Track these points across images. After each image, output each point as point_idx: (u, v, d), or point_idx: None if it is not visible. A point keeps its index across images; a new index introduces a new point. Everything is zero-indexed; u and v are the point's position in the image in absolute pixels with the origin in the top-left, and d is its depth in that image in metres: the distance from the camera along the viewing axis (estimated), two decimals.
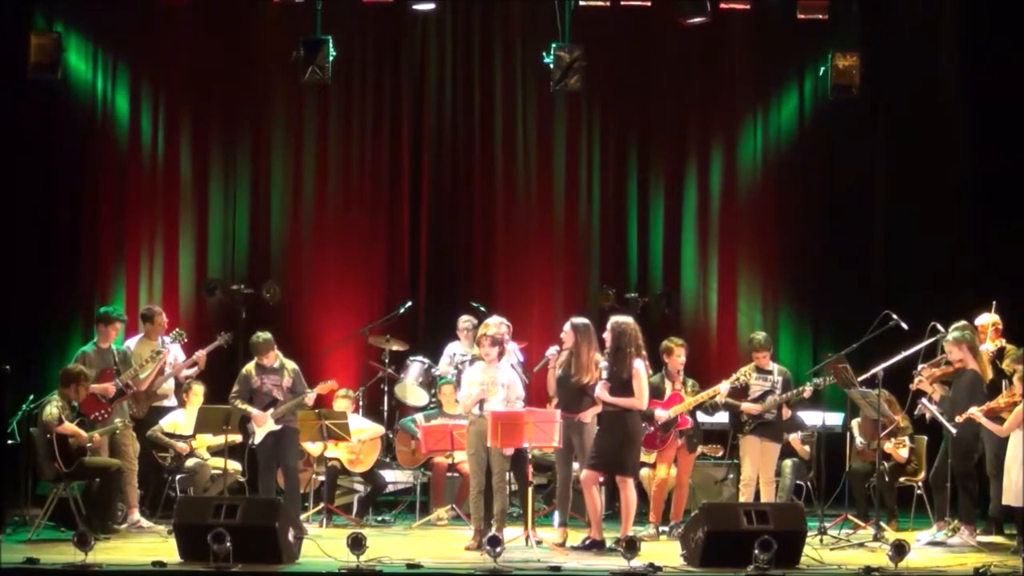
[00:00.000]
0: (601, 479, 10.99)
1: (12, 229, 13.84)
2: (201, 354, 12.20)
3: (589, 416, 10.84)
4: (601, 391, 10.65)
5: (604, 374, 10.67)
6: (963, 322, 11.44)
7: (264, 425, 11.73)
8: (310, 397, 11.88)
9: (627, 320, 10.82)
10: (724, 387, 11.61)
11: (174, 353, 12.36)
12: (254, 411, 11.70)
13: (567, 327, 10.97)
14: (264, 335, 11.87)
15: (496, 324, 11.28)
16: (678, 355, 11.69)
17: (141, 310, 12.74)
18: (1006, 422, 11.02)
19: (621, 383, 10.61)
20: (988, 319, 11.81)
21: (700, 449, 12.57)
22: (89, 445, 11.17)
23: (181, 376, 12.44)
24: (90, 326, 13.99)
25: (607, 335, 10.73)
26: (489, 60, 14.63)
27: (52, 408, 11.08)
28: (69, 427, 11.07)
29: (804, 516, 10.18)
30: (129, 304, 13.76)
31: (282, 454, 11.80)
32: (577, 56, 13.30)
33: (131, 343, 12.23)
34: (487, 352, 10.94)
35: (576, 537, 10.94)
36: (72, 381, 11.22)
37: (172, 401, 12.52)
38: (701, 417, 12.04)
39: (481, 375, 10.95)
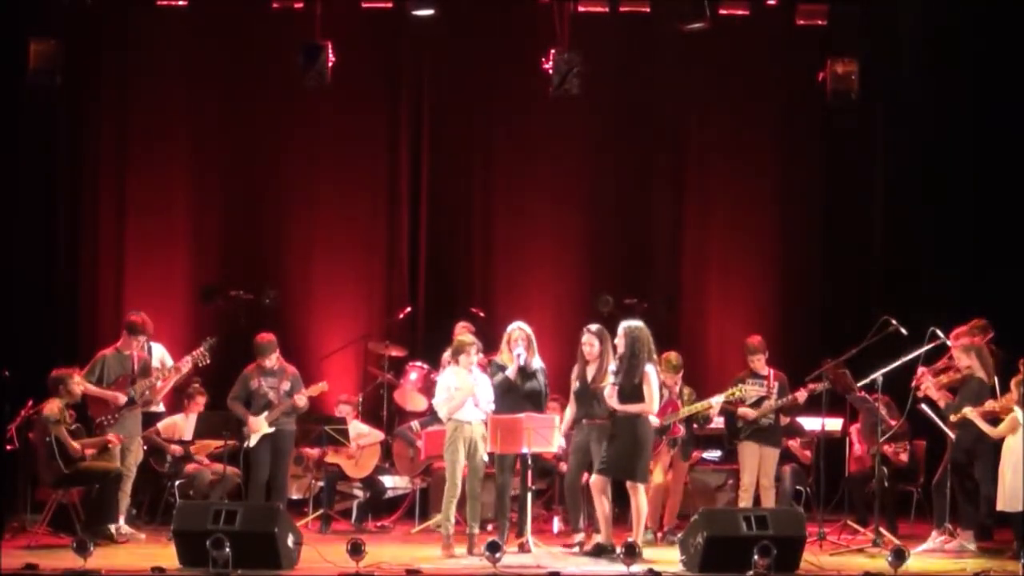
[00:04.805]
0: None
1: (12, 233, 13.84)
2: (186, 362, 11.98)
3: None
4: (610, 397, 10.65)
5: (612, 379, 10.67)
6: (969, 324, 11.47)
7: (258, 429, 11.75)
8: (302, 400, 11.90)
9: (640, 325, 10.82)
10: (716, 402, 11.62)
11: (159, 356, 12.30)
12: (249, 417, 11.73)
13: (588, 337, 10.97)
14: (268, 336, 11.91)
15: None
16: (671, 379, 11.70)
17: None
18: (1000, 426, 11.04)
19: (632, 388, 10.61)
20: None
21: (697, 454, 12.62)
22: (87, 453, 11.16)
23: (176, 382, 12.35)
24: (89, 330, 14.05)
25: (619, 340, 10.72)
26: (488, 66, 14.62)
27: (52, 406, 11.08)
28: (63, 433, 11.03)
29: (803, 521, 10.18)
30: (127, 309, 13.72)
31: (275, 457, 11.82)
32: (576, 62, 13.30)
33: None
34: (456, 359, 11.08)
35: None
36: (60, 384, 11.19)
37: (160, 407, 12.47)
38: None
39: (455, 380, 10.97)
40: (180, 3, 13.71)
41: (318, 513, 12.38)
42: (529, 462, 10.94)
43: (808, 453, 12.77)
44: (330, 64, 13.36)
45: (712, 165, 14.79)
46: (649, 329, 10.87)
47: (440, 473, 12.63)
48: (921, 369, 11.34)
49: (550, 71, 13.39)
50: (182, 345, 12.62)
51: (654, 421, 11.42)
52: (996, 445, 11.08)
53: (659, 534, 11.66)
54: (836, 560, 10.51)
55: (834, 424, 12.46)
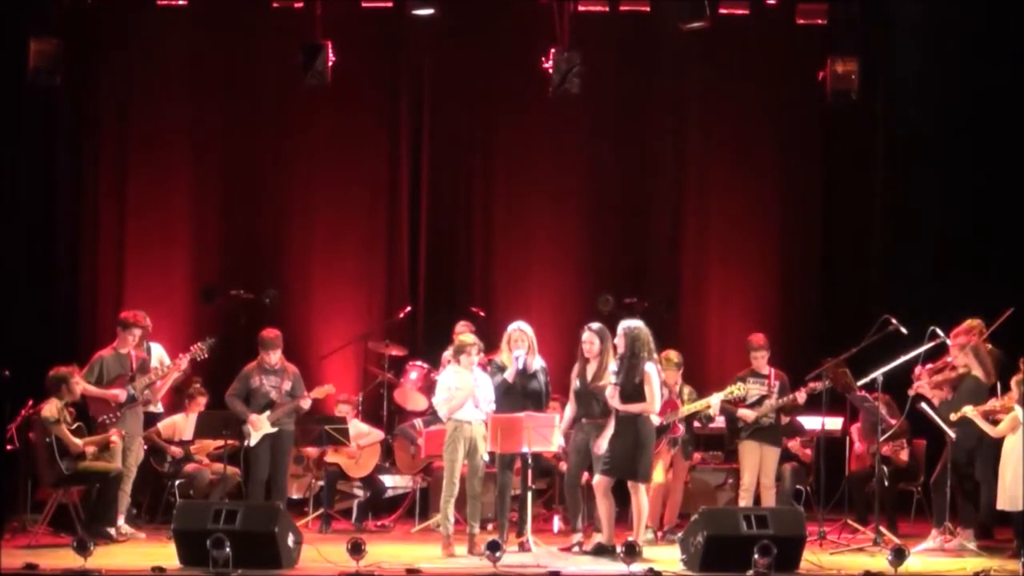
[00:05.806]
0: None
1: (12, 234, 13.85)
2: (184, 359, 11.94)
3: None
4: (612, 397, 10.65)
5: (613, 379, 10.67)
6: (968, 323, 11.47)
7: (260, 428, 11.75)
8: (306, 401, 11.90)
9: (639, 324, 10.82)
10: (716, 401, 11.62)
11: (158, 356, 12.29)
12: (251, 415, 11.72)
13: (589, 335, 10.97)
14: (274, 331, 11.90)
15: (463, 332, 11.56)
16: (672, 378, 11.69)
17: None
18: (1000, 425, 11.04)
19: (633, 388, 10.60)
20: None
21: (699, 455, 12.63)
22: (89, 450, 11.17)
23: (176, 381, 12.34)
24: (89, 330, 14.06)
25: (619, 340, 10.72)
26: (488, 65, 14.63)
27: (51, 407, 11.07)
28: (64, 432, 11.03)
29: (803, 520, 10.18)
30: (127, 308, 13.71)
31: (275, 457, 11.82)
32: (576, 61, 13.30)
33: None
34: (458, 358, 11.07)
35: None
36: (61, 383, 11.18)
37: (159, 407, 12.46)
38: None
39: (456, 379, 10.98)
40: (180, 3, 13.70)
41: (318, 512, 12.38)
42: (529, 461, 10.94)
43: (808, 452, 12.77)
44: (330, 64, 13.36)
45: (712, 165, 14.79)
46: (649, 329, 10.87)
47: (440, 472, 12.64)
48: (919, 368, 11.34)
49: (550, 71, 13.38)
50: (182, 345, 12.59)
51: (654, 420, 11.46)
52: (996, 444, 11.08)
53: (659, 533, 11.65)
54: (836, 559, 10.50)
55: (834, 423, 12.46)
